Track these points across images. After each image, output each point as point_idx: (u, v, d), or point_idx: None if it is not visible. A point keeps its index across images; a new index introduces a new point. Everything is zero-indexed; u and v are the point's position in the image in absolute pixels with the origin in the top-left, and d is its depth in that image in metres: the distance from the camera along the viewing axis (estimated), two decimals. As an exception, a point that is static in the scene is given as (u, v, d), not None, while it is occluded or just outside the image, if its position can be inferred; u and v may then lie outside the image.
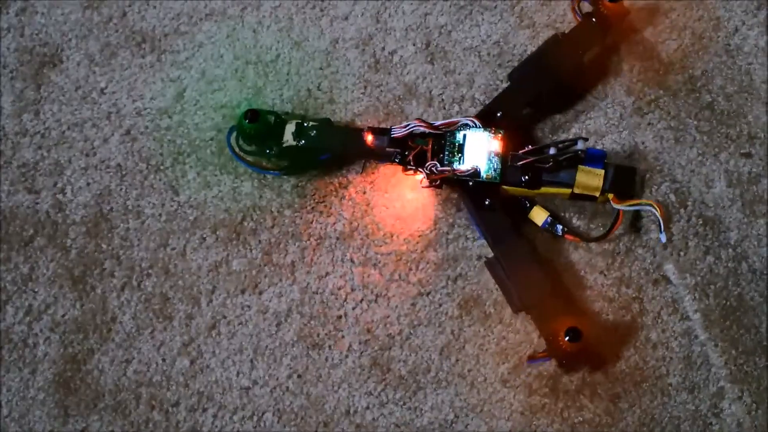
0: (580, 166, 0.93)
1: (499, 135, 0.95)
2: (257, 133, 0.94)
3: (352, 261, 0.96)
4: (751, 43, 0.98)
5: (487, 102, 0.99)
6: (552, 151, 0.91)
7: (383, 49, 1.00)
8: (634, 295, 0.94)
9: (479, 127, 0.95)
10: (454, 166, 0.94)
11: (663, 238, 0.94)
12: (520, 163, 0.93)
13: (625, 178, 0.95)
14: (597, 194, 0.94)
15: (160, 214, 0.97)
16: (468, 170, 0.94)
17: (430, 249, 0.96)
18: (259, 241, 0.96)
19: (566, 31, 0.98)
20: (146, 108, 1.00)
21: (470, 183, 0.94)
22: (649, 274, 0.94)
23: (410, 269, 0.96)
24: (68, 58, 1.02)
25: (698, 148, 0.97)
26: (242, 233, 0.96)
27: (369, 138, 0.95)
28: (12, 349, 0.96)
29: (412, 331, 0.96)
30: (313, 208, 0.97)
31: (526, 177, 0.94)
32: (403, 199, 0.97)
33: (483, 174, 0.94)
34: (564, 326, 0.88)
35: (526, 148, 0.94)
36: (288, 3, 1.02)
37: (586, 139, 0.92)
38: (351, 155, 1.00)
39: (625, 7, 0.96)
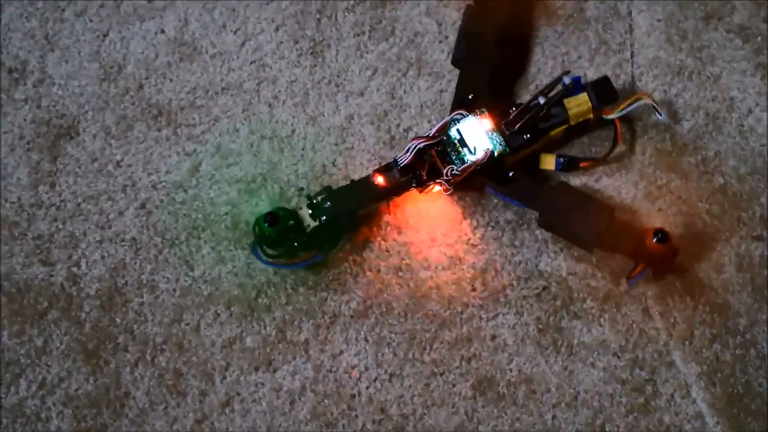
0: (565, 100, 0.97)
1: (485, 113, 0.97)
2: (280, 234, 0.93)
3: (366, 339, 0.95)
4: (764, 124, 1.00)
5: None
6: (541, 100, 0.94)
7: (398, 125, 1.01)
8: (647, 377, 0.93)
9: (465, 116, 0.97)
10: (471, 160, 0.96)
11: (661, 115, 0.99)
12: (517, 126, 0.96)
13: (605, 88, 0.98)
14: (591, 115, 0.97)
15: (174, 289, 0.97)
16: (483, 156, 0.96)
17: (444, 328, 0.97)
18: (273, 318, 0.97)
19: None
20: (162, 181, 1.00)
21: (482, 167, 0.96)
22: (662, 356, 0.93)
23: (424, 349, 0.96)
24: (85, 130, 1.02)
25: (709, 233, 0.96)
26: (256, 309, 0.97)
27: (380, 179, 0.96)
28: (25, 422, 0.97)
29: (425, 411, 0.97)
30: (327, 285, 0.97)
31: (527, 135, 0.97)
32: (416, 278, 0.97)
33: (495, 152, 0.95)
34: (647, 233, 0.93)
35: (513, 111, 0.97)
36: (303, 78, 1.02)
37: (568, 72, 0.94)
38: (370, 205, 1.00)
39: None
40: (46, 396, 0.96)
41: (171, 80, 1.04)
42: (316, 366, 0.96)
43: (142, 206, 1.00)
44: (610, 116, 0.99)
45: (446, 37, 1.04)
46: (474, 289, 0.97)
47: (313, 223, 0.96)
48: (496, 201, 1.01)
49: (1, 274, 0.99)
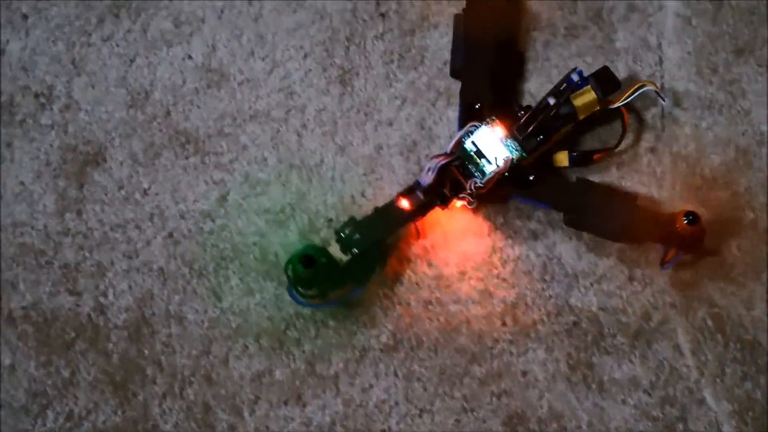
0: (570, 96, 0.97)
1: (495, 121, 0.97)
2: (317, 274, 0.93)
3: (396, 374, 0.95)
4: (794, 159, 0.98)
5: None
6: (551, 100, 0.94)
7: (428, 156, 1.00)
8: (678, 415, 0.93)
9: (478, 127, 0.97)
10: (491, 170, 0.97)
11: (665, 101, 1.02)
12: (529, 129, 0.96)
13: (607, 78, 0.99)
14: (598, 106, 0.98)
15: (202, 321, 0.96)
16: (505, 165, 0.96)
17: (474, 363, 0.96)
18: (303, 351, 0.96)
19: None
20: (189, 210, 0.99)
21: (507, 175, 0.97)
22: (693, 394, 0.93)
23: (454, 384, 0.96)
24: (111, 157, 1.01)
25: (738, 269, 0.95)
26: (285, 342, 0.96)
27: (404, 202, 0.96)
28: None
29: (456, 448, 0.92)
30: (357, 319, 0.97)
31: (540, 137, 0.97)
32: (446, 312, 0.97)
33: (514, 159, 0.96)
34: (677, 216, 0.95)
35: (522, 114, 0.97)
36: (333, 107, 1.02)
37: (575, 69, 0.95)
38: (397, 230, 1.00)
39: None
40: (74, 429, 0.96)
41: (198, 107, 1.03)
42: (345, 400, 0.95)
43: (170, 235, 0.99)
44: (618, 104, 0.99)
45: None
46: (504, 324, 0.96)
47: (345, 257, 0.95)
48: (521, 223, 1.03)
49: (28, 304, 0.96)
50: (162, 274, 0.99)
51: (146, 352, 0.97)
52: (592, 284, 1.01)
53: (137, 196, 1.01)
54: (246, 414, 0.95)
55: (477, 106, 1.00)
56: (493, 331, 0.97)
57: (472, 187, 0.97)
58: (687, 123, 1.02)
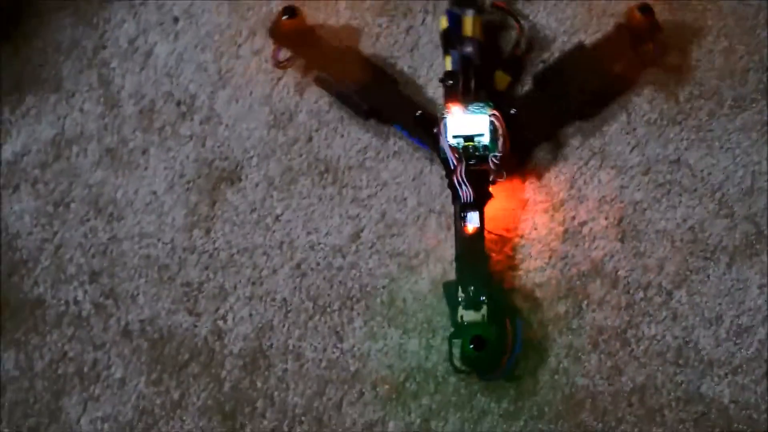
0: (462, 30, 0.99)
1: (447, 107, 0.97)
2: (486, 357, 0.91)
3: (511, 442, 0.91)
4: None
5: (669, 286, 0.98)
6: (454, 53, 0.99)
7: (573, 218, 0.96)
8: None
9: (444, 124, 0.96)
10: (488, 139, 0.96)
11: None
12: (472, 86, 0.99)
13: None
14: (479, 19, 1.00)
15: (320, 360, 0.94)
16: (498, 120, 0.96)
17: None
18: (419, 406, 0.93)
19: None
20: (320, 243, 0.96)
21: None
22: None
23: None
24: (247, 177, 0.99)
25: None
26: (403, 394, 0.93)
27: (469, 228, 0.97)
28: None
29: None
30: (479, 380, 0.91)
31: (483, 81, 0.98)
32: (572, 383, 0.97)
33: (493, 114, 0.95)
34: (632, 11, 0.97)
35: (451, 83, 0.99)
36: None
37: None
38: (487, 256, 0.98)
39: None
40: (177, 452, 0.91)
41: (342, 136, 1.00)
42: (457, 462, 0.91)
43: (298, 266, 0.96)
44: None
45: (634, 129, 0.98)
46: (631, 405, 0.93)
47: (478, 316, 0.94)
48: (660, 300, 0.98)
49: (145, 318, 0.93)
50: (285, 305, 0.96)
51: (259, 384, 0.95)
52: (726, 374, 0.96)
53: (269, 220, 0.98)
54: (353, 462, 0.91)
55: (418, 113, 0.99)
56: (618, 411, 0.94)
57: (495, 161, 0.95)
58: None
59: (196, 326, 0.94)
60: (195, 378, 0.94)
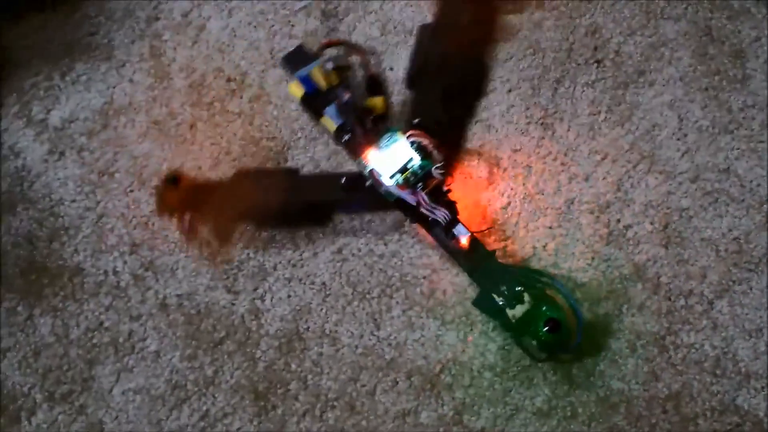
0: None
1: (363, 153, 0.95)
2: (564, 332, 0.91)
3: (543, 440, 0.90)
4: None
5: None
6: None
7: (618, 221, 0.95)
8: None
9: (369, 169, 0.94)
10: (419, 158, 0.94)
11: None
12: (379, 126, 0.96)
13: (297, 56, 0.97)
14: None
15: (356, 346, 0.93)
16: (422, 135, 0.94)
17: None
18: (453, 398, 0.93)
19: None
20: (363, 229, 0.98)
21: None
22: None
23: (600, 464, 0.90)
24: (293, 158, 1.02)
25: None
26: (437, 385, 0.92)
27: (463, 241, 0.95)
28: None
29: None
30: (514, 376, 0.93)
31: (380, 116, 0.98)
32: (608, 386, 0.97)
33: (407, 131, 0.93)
34: None
35: (350, 137, 0.97)
36: (529, 149, 0.97)
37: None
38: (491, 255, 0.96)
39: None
40: (207, 429, 0.94)
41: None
42: (487, 458, 0.90)
43: (339, 251, 0.97)
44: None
45: (685, 135, 0.97)
46: (665, 411, 0.92)
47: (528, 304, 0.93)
48: (701, 308, 0.98)
49: (183, 293, 0.93)
50: (324, 289, 0.96)
51: (293, 366, 0.94)
52: (763, 388, 0.96)
53: (314, 203, 0.96)
54: (384, 451, 0.91)
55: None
56: (652, 417, 0.94)
57: (438, 172, 0.94)
58: None
59: (233, 304, 0.94)
60: (229, 356, 0.94)
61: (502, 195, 0.98)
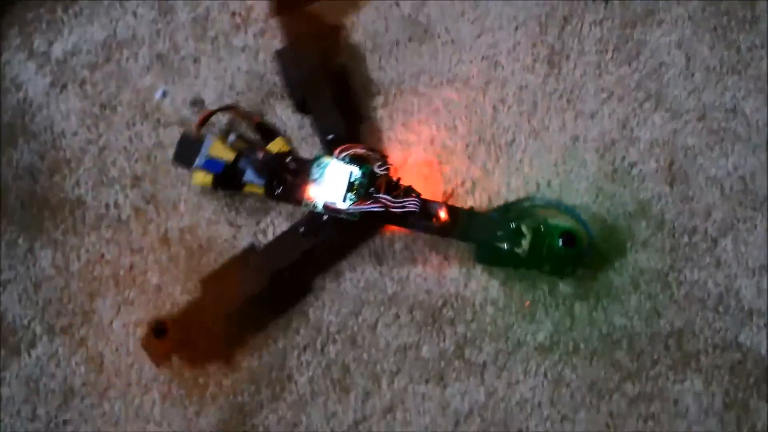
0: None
1: (302, 187, 0.93)
2: (579, 246, 0.91)
3: (545, 375, 0.91)
4: None
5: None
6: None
7: (623, 158, 0.94)
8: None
9: (318, 202, 0.92)
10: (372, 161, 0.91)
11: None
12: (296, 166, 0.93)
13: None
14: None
15: (358, 280, 0.92)
16: (361, 147, 0.92)
17: (627, 381, 0.95)
18: (455, 333, 0.92)
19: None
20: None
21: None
22: None
23: (603, 397, 0.93)
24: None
25: None
26: (439, 320, 0.92)
27: (442, 214, 0.92)
28: (181, 384, 0.95)
29: (592, 463, 0.88)
30: (517, 311, 0.92)
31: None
32: (610, 321, 0.97)
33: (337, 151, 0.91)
34: None
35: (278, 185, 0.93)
36: (535, 86, 0.97)
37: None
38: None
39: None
40: (208, 361, 0.90)
41: (396, 59, 0.98)
42: (488, 392, 0.92)
43: (342, 186, 0.94)
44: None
45: (692, 74, 0.96)
46: (667, 348, 0.92)
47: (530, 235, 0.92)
48: (706, 246, 0.98)
49: (185, 226, 0.92)
50: (327, 223, 0.93)
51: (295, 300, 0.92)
52: (765, 325, 0.96)
53: (315, 137, 0.95)
54: (384, 384, 0.93)
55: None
56: (654, 353, 0.94)
57: (382, 172, 0.93)
58: None
59: (235, 237, 0.94)
60: (232, 291, 0.92)
61: (507, 131, 0.95)
